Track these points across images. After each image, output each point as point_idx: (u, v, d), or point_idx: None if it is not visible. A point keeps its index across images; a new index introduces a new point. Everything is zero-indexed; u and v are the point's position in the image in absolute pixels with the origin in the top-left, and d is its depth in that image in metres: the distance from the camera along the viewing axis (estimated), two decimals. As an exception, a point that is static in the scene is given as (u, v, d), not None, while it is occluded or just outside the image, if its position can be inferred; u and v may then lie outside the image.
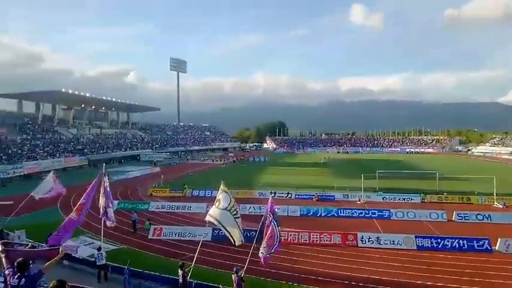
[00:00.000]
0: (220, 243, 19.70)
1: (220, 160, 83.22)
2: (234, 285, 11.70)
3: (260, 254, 11.91)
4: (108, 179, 16.42)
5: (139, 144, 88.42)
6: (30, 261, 6.01)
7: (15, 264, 5.58)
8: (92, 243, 20.39)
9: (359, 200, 33.24)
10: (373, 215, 27.58)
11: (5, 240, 11.93)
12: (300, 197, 34.95)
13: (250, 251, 12.54)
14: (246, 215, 27.85)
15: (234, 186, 36.21)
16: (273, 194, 33.88)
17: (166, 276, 13.90)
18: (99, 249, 14.52)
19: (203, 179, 50.91)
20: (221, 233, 14.10)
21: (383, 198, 33.85)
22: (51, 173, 19.48)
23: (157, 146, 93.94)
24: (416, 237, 20.21)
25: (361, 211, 28.34)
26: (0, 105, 74.06)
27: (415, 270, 16.77)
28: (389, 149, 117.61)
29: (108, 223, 15.13)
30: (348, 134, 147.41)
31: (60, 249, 6.70)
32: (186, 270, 12.80)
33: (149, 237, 22.24)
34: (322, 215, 28.15)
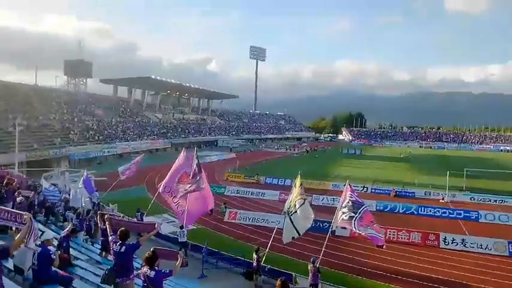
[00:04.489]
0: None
1: (294, 149, 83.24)
2: (310, 275, 11.74)
3: (366, 235, 11.52)
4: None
5: (217, 130, 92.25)
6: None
7: (118, 232, 6.26)
8: (173, 221, 21.91)
9: (443, 199, 30.88)
10: (458, 216, 25.46)
11: (102, 212, 13.42)
12: (376, 191, 33.61)
13: (325, 242, 12.45)
14: (319, 206, 27.73)
15: (306, 176, 36.08)
16: (346, 186, 33.12)
17: (242, 258, 14.48)
18: (181, 227, 15.59)
19: (276, 167, 51.59)
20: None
21: (471, 199, 31.03)
22: (142, 155, 21.33)
23: (233, 132, 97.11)
24: (509, 242, 18.24)
25: (444, 210, 26.35)
26: (100, 90, 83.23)
27: (507, 279, 15.22)
28: (479, 146, 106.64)
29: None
30: (433, 128, 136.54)
31: (156, 225, 7.38)
32: (260, 254, 13.19)
33: (224, 220, 23.28)
34: (400, 211, 26.78)
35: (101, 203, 21.82)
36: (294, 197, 13.41)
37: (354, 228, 11.60)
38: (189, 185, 14.43)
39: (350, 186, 13.26)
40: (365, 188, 33.96)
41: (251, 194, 31.40)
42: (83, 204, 17.18)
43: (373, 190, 33.84)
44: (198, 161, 14.92)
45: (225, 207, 24.83)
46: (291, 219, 12.83)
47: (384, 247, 12.10)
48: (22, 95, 54.78)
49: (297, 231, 12.53)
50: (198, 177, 14.11)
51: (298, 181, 14.17)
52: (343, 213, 12.05)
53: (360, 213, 11.64)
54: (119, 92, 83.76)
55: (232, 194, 31.60)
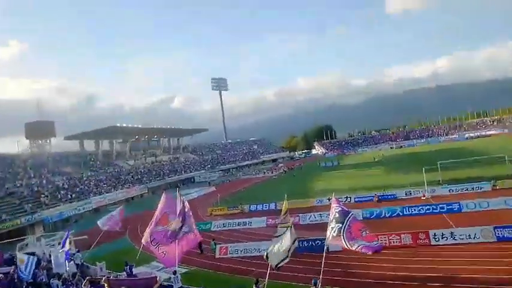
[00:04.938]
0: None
1: (271, 172, 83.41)
2: None
3: (359, 249, 11.18)
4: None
5: (192, 167, 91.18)
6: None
7: None
8: (164, 268, 21.16)
9: (423, 196, 31.64)
10: (441, 210, 26.07)
11: (92, 278, 12.83)
12: (359, 199, 34.00)
13: (323, 260, 12.34)
14: (306, 225, 27.78)
15: (288, 196, 36.09)
16: (331, 199, 33.32)
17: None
18: (174, 272, 15.05)
19: (257, 192, 51.46)
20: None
21: (449, 191, 31.87)
22: (122, 206, 20.77)
23: (209, 166, 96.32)
24: (495, 228, 18.77)
25: (428, 207, 26.90)
26: (66, 147, 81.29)
27: (498, 264, 15.58)
28: (446, 137, 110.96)
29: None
30: (400, 128, 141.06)
31: (158, 278, 7.08)
32: (260, 286, 12.91)
33: (216, 256, 22.75)
34: (387, 215, 27.14)
35: (85, 263, 20.88)
36: (279, 225, 13.27)
37: (344, 244, 11.42)
38: (176, 228, 14.15)
39: (336, 199, 13.25)
40: (348, 198, 34.27)
41: (238, 225, 30.88)
42: (67, 268, 16.34)
43: (356, 199, 34.20)
44: (184, 202, 14.73)
45: (215, 243, 24.26)
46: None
47: (381, 250, 11.97)
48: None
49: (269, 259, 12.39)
50: (187, 220, 13.92)
51: (284, 206, 13.94)
52: (332, 228, 11.96)
53: (346, 222, 11.53)
54: (86, 145, 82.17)
55: (219, 229, 31.05)
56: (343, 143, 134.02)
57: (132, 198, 62.76)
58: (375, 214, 27.50)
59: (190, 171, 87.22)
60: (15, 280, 14.55)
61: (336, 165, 77.40)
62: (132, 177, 71.29)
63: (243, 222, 31.15)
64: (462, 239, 18.96)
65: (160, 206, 16.25)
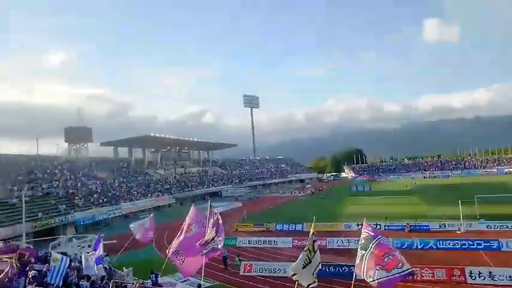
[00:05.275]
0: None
1: (299, 192, 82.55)
2: None
3: (372, 282, 10.33)
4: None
5: (220, 181, 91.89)
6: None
7: None
8: (188, 279, 21.21)
9: (459, 229, 30.20)
10: (478, 246, 24.68)
11: (118, 282, 13.03)
12: (390, 228, 32.83)
13: (352, 288, 11.93)
14: (333, 249, 27.06)
15: (316, 219, 35.43)
16: (360, 225, 32.40)
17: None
18: (199, 286, 15.06)
19: (284, 212, 50.89)
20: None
21: (487, 227, 30.27)
22: (151, 214, 21.16)
23: (236, 181, 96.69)
24: (538, 271, 17.57)
25: (464, 242, 25.53)
26: (101, 152, 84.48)
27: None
28: (483, 170, 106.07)
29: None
30: (434, 157, 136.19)
31: None
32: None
33: (240, 273, 22.56)
34: (419, 247, 26.00)
35: (113, 268, 21.26)
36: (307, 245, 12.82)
37: (362, 274, 10.60)
38: (208, 239, 14.14)
39: (367, 223, 12.55)
40: (378, 226, 33.15)
41: (263, 243, 30.53)
42: (96, 271, 16.69)
43: (386, 227, 33.02)
44: (217, 214, 14.76)
45: (239, 259, 24.16)
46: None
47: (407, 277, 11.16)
48: (24, 166, 55.35)
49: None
50: (220, 233, 13.95)
51: (312, 228, 13.52)
52: (357, 255, 11.44)
53: (370, 248, 10.78)
54: (120, 152, 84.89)
55: (244, 245, 30.81)
56: (374, 168, 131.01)
57: (159, 207, 63.69)
58: (406, 244, 26.38)
59: (218, 185, 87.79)
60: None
61: (368, 190, 75.33)
62: (162, 186, 72.62)
63: (269, 240, 30.75)
64: (502, 280, 17.78)
65: (187, 218, 16.39)
